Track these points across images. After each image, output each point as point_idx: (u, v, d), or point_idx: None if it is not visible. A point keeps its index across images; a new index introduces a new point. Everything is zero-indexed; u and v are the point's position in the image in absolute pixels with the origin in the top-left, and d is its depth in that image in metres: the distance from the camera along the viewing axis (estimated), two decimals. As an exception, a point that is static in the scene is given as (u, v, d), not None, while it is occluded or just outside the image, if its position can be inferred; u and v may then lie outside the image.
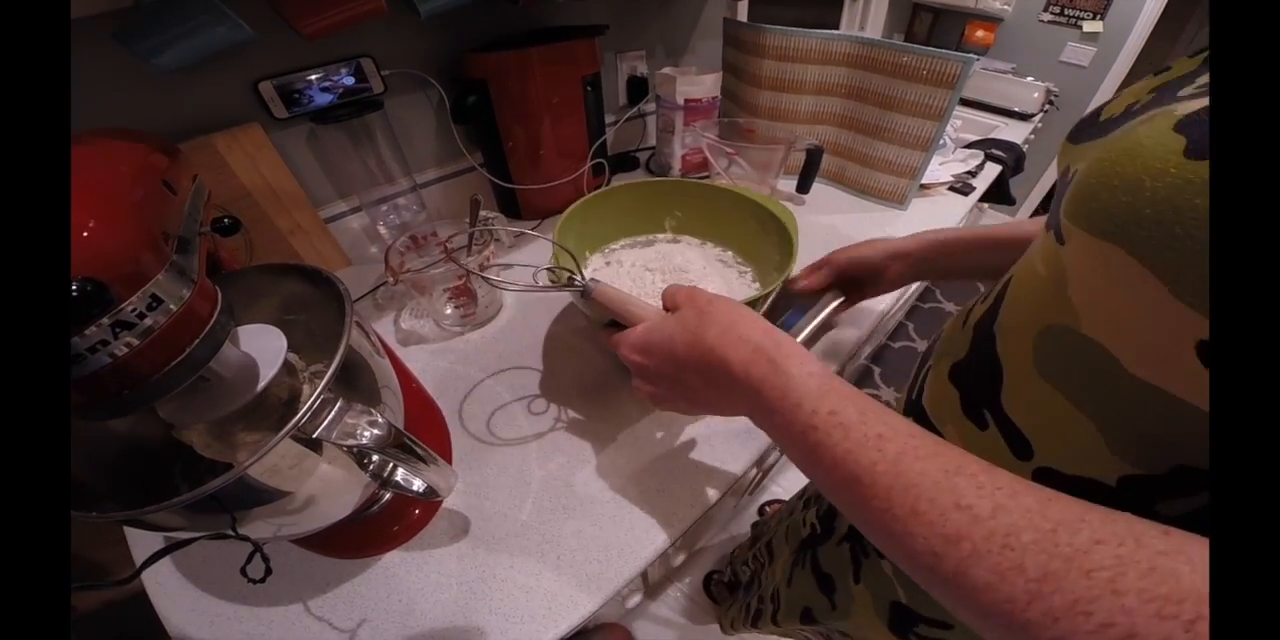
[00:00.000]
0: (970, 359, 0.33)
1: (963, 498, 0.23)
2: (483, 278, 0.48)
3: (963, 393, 0.33)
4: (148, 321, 0.27)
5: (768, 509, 1.46)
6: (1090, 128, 0.29)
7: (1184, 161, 0.18)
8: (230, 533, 0.34)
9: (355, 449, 0.33)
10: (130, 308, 0.26)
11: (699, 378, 0.36)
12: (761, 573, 0.82)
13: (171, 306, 0.28)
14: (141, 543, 0.50)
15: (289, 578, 0.47)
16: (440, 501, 0.51)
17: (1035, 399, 0.27)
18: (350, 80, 0.68)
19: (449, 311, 0.68)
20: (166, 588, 0.47)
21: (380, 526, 0.49)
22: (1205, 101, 0.19)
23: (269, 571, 0.40)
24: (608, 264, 0.69)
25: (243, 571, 0.40)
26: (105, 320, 0.25)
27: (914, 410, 0.40)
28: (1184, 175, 0.18)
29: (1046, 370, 0.26)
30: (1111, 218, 0.20)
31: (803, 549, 0.61)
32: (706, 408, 0.38)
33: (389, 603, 0.45)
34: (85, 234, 0.25)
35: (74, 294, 0.22)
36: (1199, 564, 0.18)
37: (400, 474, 0.41)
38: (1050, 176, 2.45)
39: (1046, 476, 0.26)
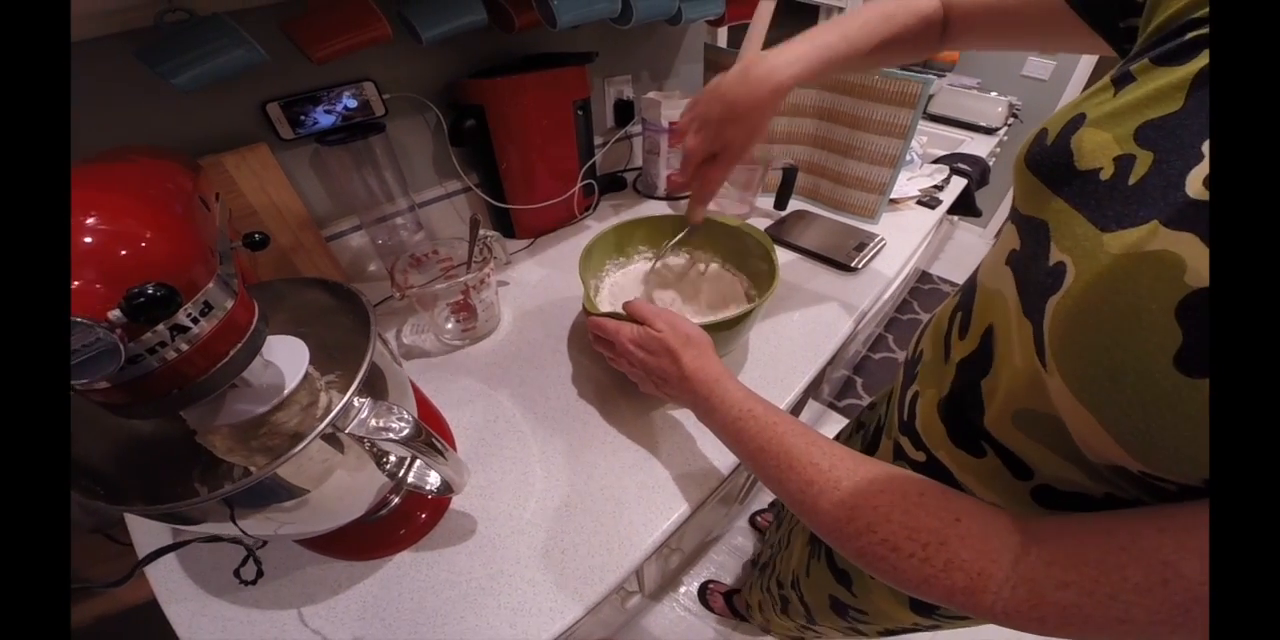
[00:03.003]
0: (954, 398, 0.38)
1: (814, 459, 0.38)
2: None
3: (950, 428, 0.38)
4: (198, 328, 0.30)
5: (759, 518, 1.49)
6: (1050, 158, 0.29)
7: (1170, 370, 0.20)
8: (235, 527, 0.36)
9: (382, 444, 0.35)
10: (186, 314, 0.29)
11: (669, 379, 0.51)
12: (778, 555, 0.87)
13: (219, 314, 0.31)
14: (147, 551, 0.51)
15: (300, 581, 0.49)
16: (448, 502, 0.53)
17: (1022, 443, 0.32)
18: (353, 103, 0.71)
19: (450, 326, 0.71)
20: (176, 594, 0.48)
21: (389, 529, 0.51)
22: (1204, 281, 0.19)
23: (260, 573, 0.42)
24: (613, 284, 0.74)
25: (236, 573, 0.42)
26: (163, 325, 0.28)
27: (907, 431, 0.44)
28: (1165, 386, 0.20)
29: (1027, 431, 0.31)
30: (1093, 394, 0.23)
31: (815, 542, 0.66)
32: (662, 394, 0.54)
33: (400, 601, 0.47)
34: (143, 244, 0.27)
35: (149, 295, 0.25)
36: (936, 511, 0.31)
37: (415, 472, 0.43)
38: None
39: (1045, 492, 0.32)
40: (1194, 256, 0.19)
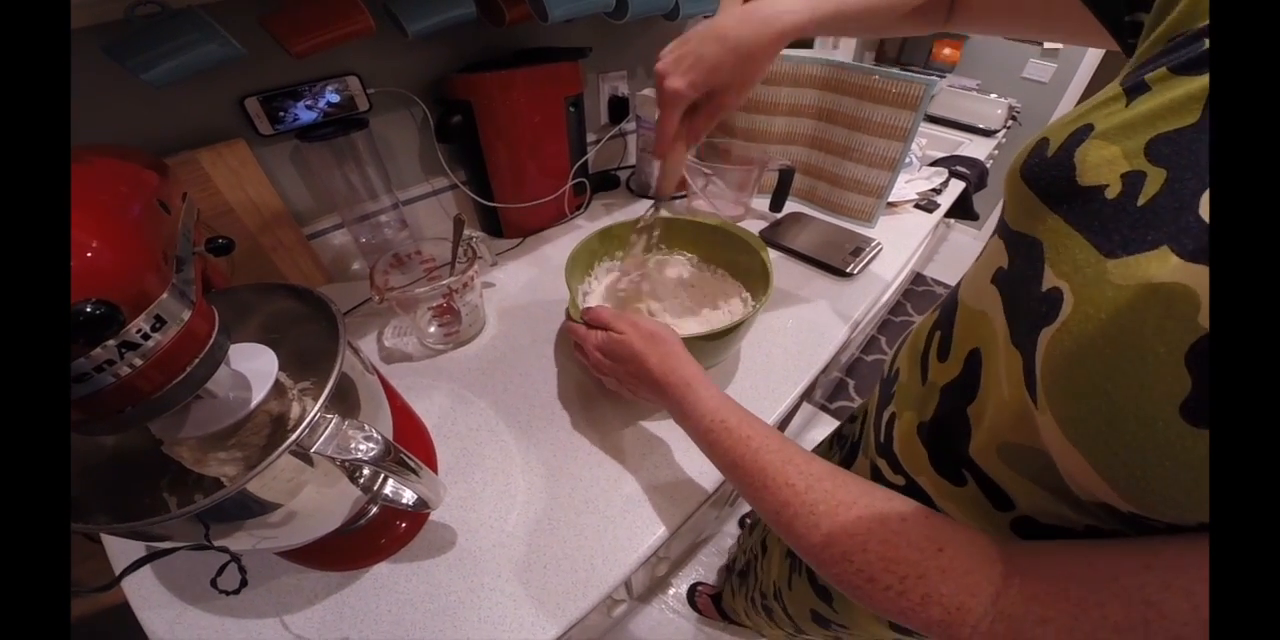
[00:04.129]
0: (936, 424, 0.36)
1: (789, 479, 0.36)
2: None
3: (932, 453, 0.37)
4: (151, 342, 0.28)
5: (749, 520, 1.48)
6: (1049, 171, 0.27)
7: (1176, 418, 0.18)
8: (207, 544, 0.34)
9: (351, 463, 0.34)
10: (136, 329, 0.27)
11: (642, 383, 0.50)
12: (756, 563, 0.85)
13: (174, 327, 0.29)
14: (123, 557, 0.50)
15: (276, 591, 0.48)
16: (428, 514, 0.52)
17: (1006, 476, 0.30)
18: (336, 98, 0.69)
19: (432, 330, 0.69)
20: (150, 601, 0.47)
21: (367, 539, 0.50)
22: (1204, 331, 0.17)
23: (244, 582, 0.41)
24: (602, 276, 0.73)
25: (213, 583, 0.41)
26: (112, 341, 0.26)
27: (885, 453, 0.43)
28: (1168, 435, 0.18)
29: (1014, 465, 0.29)
30: (1087, 439, 0.21)
31: (795, 556, 0.64)
32: (640, 399, 0.53)
33: (377, 613, 0.46)
34: (89, 254, 0.25)
35: (87, 315, 0.23)
36: (917, 541, 0.30)
37: (390, 487, 0.42)
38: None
39: (1025, 523, 0.30)
40: (1205, 318, 0.17)
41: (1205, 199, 0.19)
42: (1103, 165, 0.24)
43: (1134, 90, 0.24)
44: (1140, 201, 0.21)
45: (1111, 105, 0.25)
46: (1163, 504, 0.20)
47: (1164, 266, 0.19)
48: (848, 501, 0.33)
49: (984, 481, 0.32)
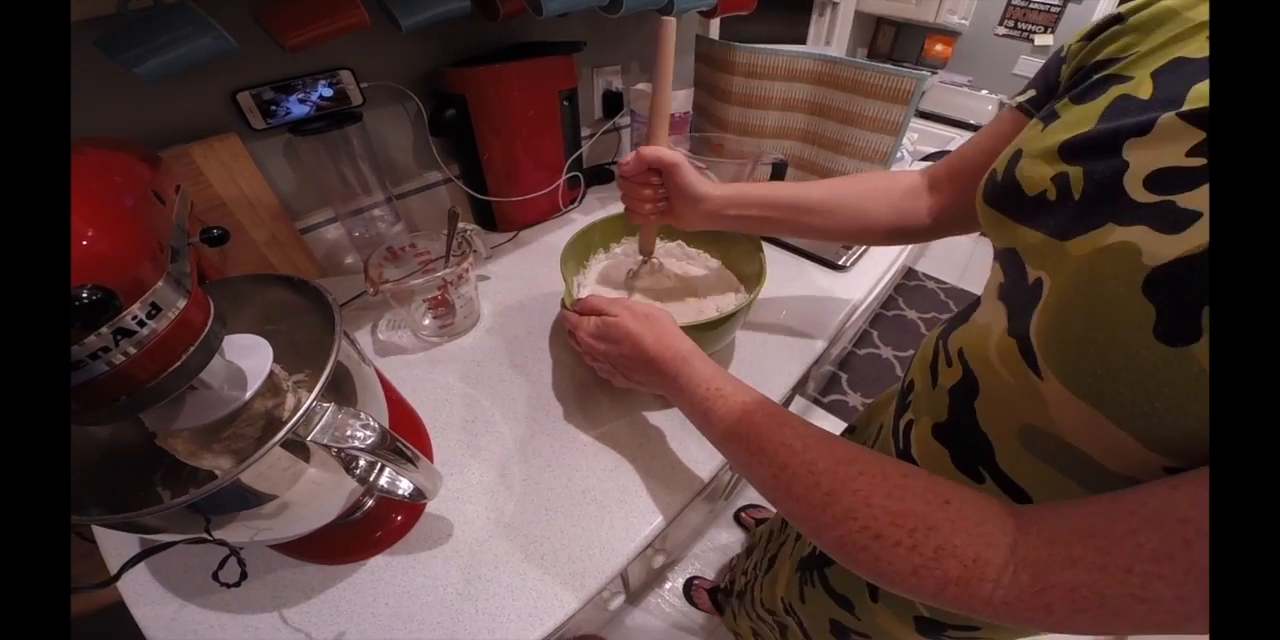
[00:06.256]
0: (951, 424, 0.37)
1: (786, 440, 0.36)
2: None
3: (952, 452, 0.37)
4: (146, 330, 0.28)
5: (744, 515, 1.49)
6: (1003, 192, 0.32)
7: (1154, 343, 0.20)
8: (207, 537, 0.34)
9: (348, 451, 0.34)
10: (131, 316, 0.27)
11: (637, 364, 0.49)
12: (755, 584, 0.84)
13: (169, 315, 0.29)
14: (115, 554, 0.50)
15: (273, 585, 0.47)
16: (424, 506, 0.52)
17: (1027, 466, 0.31)
18: (329, 92, 0.69)
19: (427, 322, 0.69)
20: (145, 598, 0.47)
21: (364, 532, 0.50)
22: (1167, 254, 0.20)
23: (244, 575, 0.41)
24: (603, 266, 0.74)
25: (215, 576, 0.40)
26: (106, 328, 0.26)
27: (904, 458, 0.43)
28: (1154, 360, 0.21)
29: (1034, 449, 0.30)
30: (1089, 386, 0.24)
31: (807, 567, 0.63)
32: (635, 383, 0.53)
33: (375, 607, 0.46)
34: (85, 242, 0.25)
35: (84, 300, 0.23)
36: (922, 493, 0.29)
37: (386, 478, 0.42)
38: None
39: None
40: (1148, 242, 0.21)
41: (1127, 182, 0.24)
42: (1036, 176, 0.29)
43: (1047, 118, 0.31)
44: (1076, 196, 0.26)
45: (1032, 131, 0.32)
46: (1182, 440, 0.21)
47: (1110, 236, 0.24)
48: (847, 458, 0.33)
49: (1001, 479, 0.32)
